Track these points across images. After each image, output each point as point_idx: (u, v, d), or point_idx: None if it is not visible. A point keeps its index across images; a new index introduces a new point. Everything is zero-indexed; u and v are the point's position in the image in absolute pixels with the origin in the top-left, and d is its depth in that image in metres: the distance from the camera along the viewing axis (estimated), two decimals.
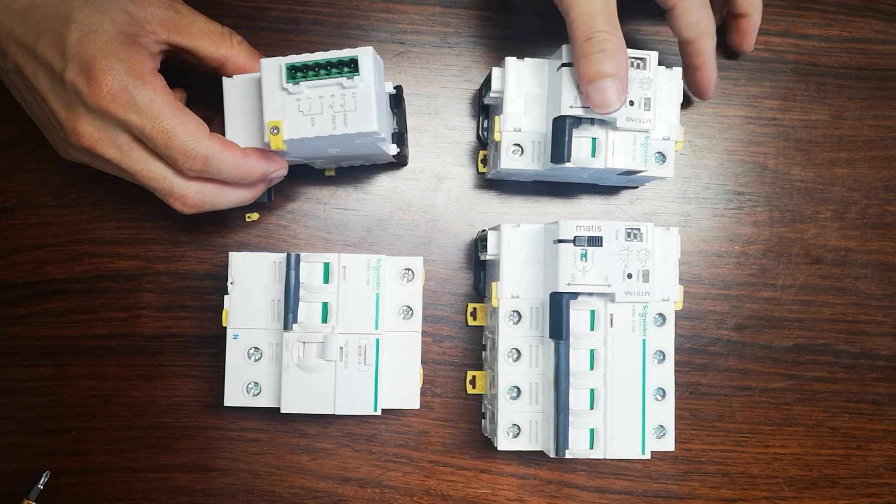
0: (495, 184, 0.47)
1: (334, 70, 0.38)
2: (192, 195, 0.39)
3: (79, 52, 0.36)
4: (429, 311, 0.47)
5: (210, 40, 0.40)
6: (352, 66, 0.38)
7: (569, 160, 0.40)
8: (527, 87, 0.42)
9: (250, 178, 0.40)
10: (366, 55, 0.38)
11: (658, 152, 0.43)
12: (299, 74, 0.38)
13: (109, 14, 0.37)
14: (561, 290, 0.40)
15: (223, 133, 0.40)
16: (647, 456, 0.41)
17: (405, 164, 0.47)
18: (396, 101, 0.43)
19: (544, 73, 0.42)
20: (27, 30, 0.37)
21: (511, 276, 0.42)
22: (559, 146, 0.40)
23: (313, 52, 0.38)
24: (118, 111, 0.36)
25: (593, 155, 0.41)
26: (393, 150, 0.43)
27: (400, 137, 0.44)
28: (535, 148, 0.42)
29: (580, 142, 0.41)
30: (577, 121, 0.40)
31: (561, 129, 0.40)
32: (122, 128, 0.37)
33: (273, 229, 0.47)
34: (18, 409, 0.45)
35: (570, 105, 0.40)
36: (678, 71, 0.43)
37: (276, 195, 0.46)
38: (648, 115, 0.41)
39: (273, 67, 0.38)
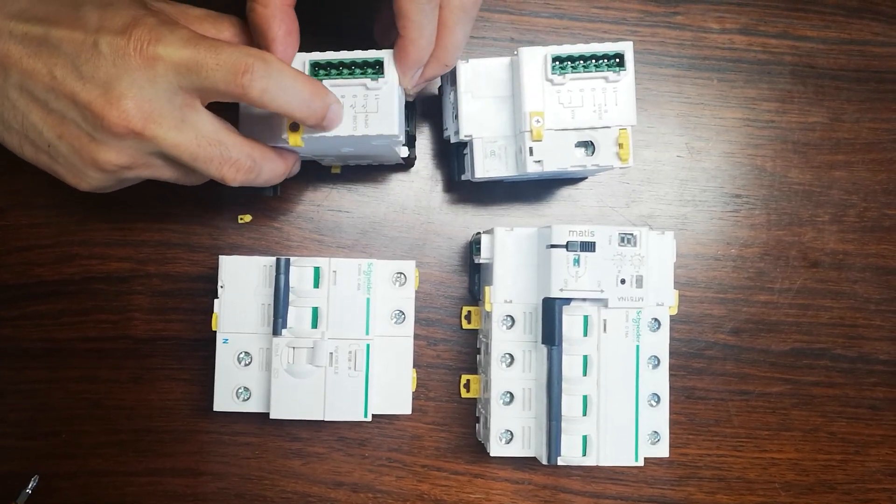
0: (492, 186, 0.47)
1: (357, 70, 0.38)
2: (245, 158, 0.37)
3: (105, 24, 0.33)
4: (423, 315, 0.46)
5: (210, 23, 0.38)
6: (376, 67, 0.37)
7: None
8: (488, 88, 0.41)
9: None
10: (390, 58, 0.37)
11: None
12: (321, 72, 0.38)
13: None
14: (553, 295, 0.39)
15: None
16: (641, 463, 0.41)
17: (412, 165, 0.47)
18: (409, 103, 0.43)
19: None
20: (32, 24, 0.34)
21: (504, 281, 0.42)
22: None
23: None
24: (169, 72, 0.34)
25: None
26: (404, 152, 0.43)
27: (411, 139, 0.44)
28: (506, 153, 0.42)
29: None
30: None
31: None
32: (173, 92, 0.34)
33: (266, 231, 0.46)
34: (9, 412, 0.45)
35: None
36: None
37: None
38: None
39: (295, 63, 0.37)
